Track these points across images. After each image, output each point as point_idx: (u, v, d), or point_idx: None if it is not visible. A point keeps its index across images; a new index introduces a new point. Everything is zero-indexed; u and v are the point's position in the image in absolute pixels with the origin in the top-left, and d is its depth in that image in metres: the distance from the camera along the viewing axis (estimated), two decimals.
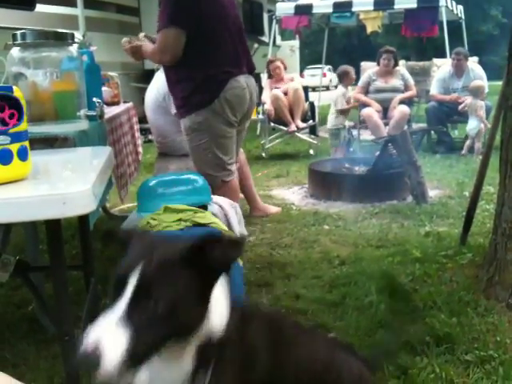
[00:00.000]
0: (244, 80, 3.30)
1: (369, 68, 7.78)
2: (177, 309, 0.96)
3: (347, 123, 7.29)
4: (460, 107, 7.07)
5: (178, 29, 3.12)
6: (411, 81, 7.42)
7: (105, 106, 2.59)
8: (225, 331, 1.08)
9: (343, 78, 7.20)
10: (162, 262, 0.98)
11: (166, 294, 0.95)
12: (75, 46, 2.12)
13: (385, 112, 7.19)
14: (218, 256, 1.00)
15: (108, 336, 0.91)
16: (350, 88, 7.36)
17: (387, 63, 7.19)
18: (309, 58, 27.21)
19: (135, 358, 0.92)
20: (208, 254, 0.99)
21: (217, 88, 3.19)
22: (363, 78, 7.48)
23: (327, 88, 26.82)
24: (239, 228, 2.64)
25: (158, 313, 0.94)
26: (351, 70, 7.22)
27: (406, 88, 7.30)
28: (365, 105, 7.29)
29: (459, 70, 7.33)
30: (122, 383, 0.95)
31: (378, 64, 7.32)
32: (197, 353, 1.06)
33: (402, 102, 7.15)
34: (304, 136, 7.88)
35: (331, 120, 7.15)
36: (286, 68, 7.71)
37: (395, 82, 7.27)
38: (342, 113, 7.13)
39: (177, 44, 3.14)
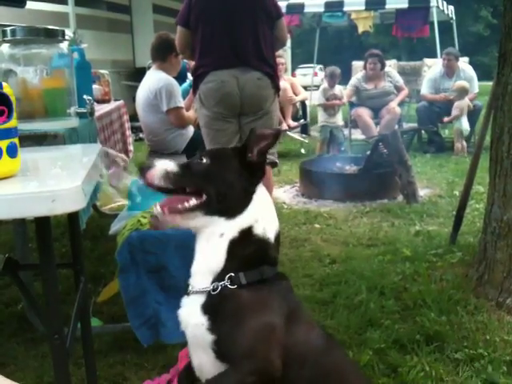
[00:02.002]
0: (228, 74, 3.33)
1: (360, 67, 7.80)
2: (216, 172, 1.23)
3: (338, 121, 7.31)
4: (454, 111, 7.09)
5: (179, 27, 3.43)
6: (401, 81, 7.44)
7: (95, 103, 2.58)
8: (267, 243, 1.25)
9: (329, 78, 7.34)
10: (217, 148, 1.44)
11: (213, 158, 1.25)
12: (66, 42, 2.11)
13: (376, 112, 7.21)
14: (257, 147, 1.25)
15: (165, 162, 1.24)
16: (337, 86, 7.38)
17: (373, 67, 7.21)
18: (300, 58, 27.20)
19: (177, 178, 1.22)
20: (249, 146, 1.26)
21: (198, 80, 3.43)
22: (352, 82, 7.50)
23: (318, 87, 26.90)
24: None
25: (202, 167, 1.23)
26: (338, 72, 7.31)
27: (397, 89, 7.32)
28: (355, 104, 7.33)
29: (450, 70, 7.36)
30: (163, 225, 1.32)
31: (365, 68, 7.32)
32: (231, 245, 1.22)
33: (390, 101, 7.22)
34: (295, 135, 7.88)
35: (319, 117, 7.28)
36: (286, 70, 7.75)
37: (385, 86, 7.29)
38: (325, 109, 7.21)
39: (180, 41, 3.49)
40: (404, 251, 3.29)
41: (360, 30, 10.22)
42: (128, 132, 4.08)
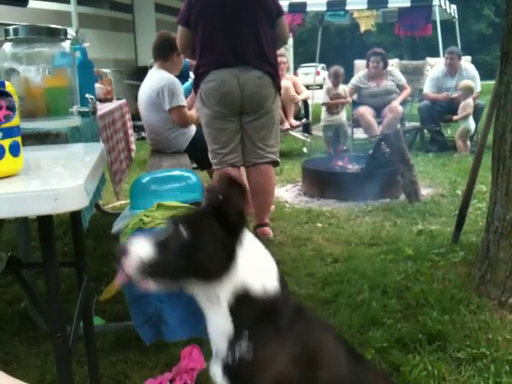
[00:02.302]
0: (228, 73, 3.34)
1: (362, 66, 7.80)
2: (196, 245, 1.15)
3: (343, 119, 7.29)
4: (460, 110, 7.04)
5: (180, 26, 3.48)
6: (404, 80, 7.44)
7: (97, 102, 2.58)
8: (269, 297, 1.18)
9: (332, 78, 7.35)
10: (192, 212, 1.28)
11: (190, 230, 1.15)
12: (68, 41, 2.11)
13: (378, 111, 7.20)
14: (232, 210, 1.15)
15: (139, 244, 1.15)
16: (340, 86, 7.39)
17: (376, 65, 7.22)
18: (302, 57, 27.18)
19: (155, 266, 1.13)
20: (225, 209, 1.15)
21: (199, 80, 3.46)
22: (353, 81, 7.51)
23: (321, 86, 26.89)
24: None
25: (182, 243, 1.14)
26: (342, 72, 7.32)
27: (400, 88, 7.31)
28: (357, 103, 7.33)
29: (452, 70, 7.35)
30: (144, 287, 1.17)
31: (368, 66, 7.33)
32: (232, 308, 1.17)
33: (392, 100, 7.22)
34: (297, 134, 7.88)
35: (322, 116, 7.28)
36: (288, 69, 7.75)
37: (387, 84, 7.30)
38: (329, 108, 7.19)
39: (181, 40, 3.53)
40: (406, 250, 3.29)
41: (362, 28, 10.19)
42: (130, 131, 4.09)
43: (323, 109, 7.33)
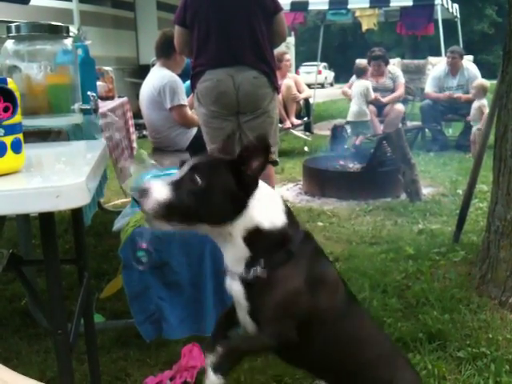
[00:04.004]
0: (224, 72, 3.34)
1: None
2: (211, 192, 1.26)
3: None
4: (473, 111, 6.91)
5: (177, 26, 3.45)
6: (401, 80, 7.45)
7: (99, 100, 2.58)
8: (278, 229, 1.34)
9: (363, 73, 7.15)
10: (209, 160, 1.35)
11: (207, 177, 1.27)
12: (70, 39, 2.11)
13: (379, 110, 7.21)
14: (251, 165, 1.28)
15: (159, 186, 1.25)
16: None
17: (377, 68, 7.27)
18: (304, 56, 27.18)
19: (171, 208, 1.24)
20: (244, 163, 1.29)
21: (195, 79, 3.46)
22: (353, 78, 7.51)
23: (322, 85, 26.90)
24: None
25: (197, 188, 1.26)
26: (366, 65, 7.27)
27: (396, 86, 7.35)
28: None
29: (454, 69, 7.34)
30: (157, 227, 1.30)
31: (369, 64, 7.34)
32: (246, 241, 1.32)
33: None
34: (299, 133, 7.87)
35: (354, 112, 7.05)
36: (290, 67, 7.74)
37: (385, 81, 7.35)
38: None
39: (178, 40, 3.50)
40: (407, 249, 3.29)
41: (364, 27, 10.20)
42: (132, 129, 4.09)
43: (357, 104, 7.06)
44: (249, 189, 1.31)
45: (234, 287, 1.38)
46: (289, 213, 1.38)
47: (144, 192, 1.24)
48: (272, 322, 1.34)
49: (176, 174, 1.31)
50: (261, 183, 1.37)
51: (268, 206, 1.35)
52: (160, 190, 1.24)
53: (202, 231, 1.36)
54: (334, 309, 1.42)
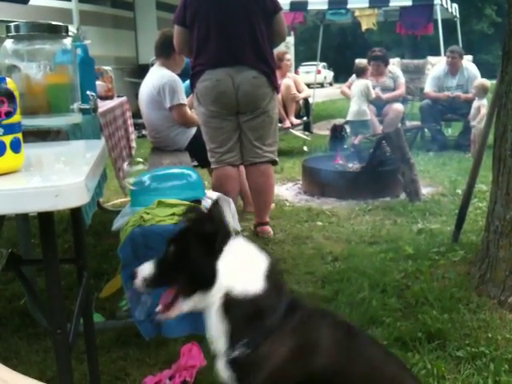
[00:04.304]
0: (223, 72, 3.35)
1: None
2: (181, 261, 1.32)
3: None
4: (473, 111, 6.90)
5: (176, 26, 3.48)
6: (401, 79, 7.45)
7: (98, 100, 2.58)
8: (254, 297, 1.26)
9: (363, 73, 7.07)
10: (181, 231, 1.37)
11: (178, 249, 1.34)
12: (69, 38, 2.10)
13: (378, 110, 7.21)
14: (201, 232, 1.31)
15: (144, 266, 1.37)
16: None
17: (377, 68, 7.26)
18: (304, 55, 27.17)
19: (154, 280, 1.35)
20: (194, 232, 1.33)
21: (194, 79, 3.49)
22: (353, 77, 7.51)
23: (322, 85, 26.89)
24: (233, 223, 2.64)
25: (170, 260, 1.34)
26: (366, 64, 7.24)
27: (396, 86, 7.35)
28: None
29: (454, 69, 7.34)
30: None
31: (369, 64, 7.34)
32: (221, 312, 1.28)
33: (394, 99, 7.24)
34: (298, 132, 7.87)
35: (354, 111, 6.99)
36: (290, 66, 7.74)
37: (385, 81, 7.35)
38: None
39: (178, 40, 3.52)
40: (406, 249, 3.29)
41: (363, 27, 10.21)
42: (131, 129, 4.09)
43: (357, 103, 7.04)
44: (218, 246, 1.29)
45: (223, 372, 1.31)
46: (270, 276, 1.30)
47: (134, 274, 1.37)
48: None
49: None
50: (242, 243, 1.35)
51: (241, 270, 1.30)
52: (145, 268, 1.36)
53: (187, 308, 1.37)
54: (335, 364, 1.31)
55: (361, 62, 7.30)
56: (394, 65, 8.33)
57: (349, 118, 7.04)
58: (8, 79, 1.18)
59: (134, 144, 4.16)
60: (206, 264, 1.29)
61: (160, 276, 1.35)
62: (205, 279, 1.29)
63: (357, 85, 6.93)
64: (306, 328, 1.32)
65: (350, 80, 7.52)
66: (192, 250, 1.31)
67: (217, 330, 1.30)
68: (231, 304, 1.27)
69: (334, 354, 1.32)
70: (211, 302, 1.29)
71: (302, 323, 1.31)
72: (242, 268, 1.30)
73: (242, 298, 1.26)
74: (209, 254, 1.29)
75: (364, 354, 1.39)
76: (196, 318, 2.05)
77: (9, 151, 1.17)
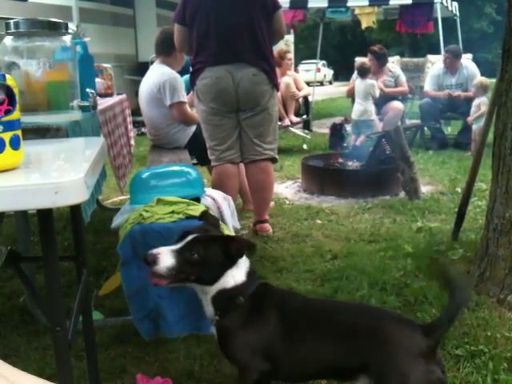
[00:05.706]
0: (223, 70, 3.35)
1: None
2: (203, 263, 1.59)
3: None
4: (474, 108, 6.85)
5: (176, 24, 3.48)
6: (402, 77, 7.45)
7: (98, 97, 2.57)
8: (236, 290, 1.62)
9: (367, 73, 7.02)
10: (206, 237, 1.65)
11: (201, 251, 1.59)
12: (69, 36, 2.10)
13: (378, 108, 7.21)
14: (235, 250, 1.62)
15: (165, 254, 1.57)
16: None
17: (372, 63, 7.26)
18: (303, 53, 27.17)
19: (174, 272, 1.56)
20: (230, 247, 1.62)
21: (194, 77, 3.50)
22: (353, 76, 7.52)
23: (321, 83, 26.89)
24: (232, 221, 2.64)
25: (193, 259, 1.58)
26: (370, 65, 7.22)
27: (397, 85, 7.35)
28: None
29: (452, 68, 7.34)
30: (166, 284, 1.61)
31: (369, 60, 7.37)
32: (213, 301, 1.64)
33: (393, 97, 7.27)
34: (298, 131, 7.87)
35: (359, 111, 6.98)
36: (291, 64, 7.73)
37: (385, 80, 7.38)
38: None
39: (178, 38, 3.53)
40: (406, 247, 3.29)
41: (363, 25, 10.19)
42: (130, 126, 4.08)
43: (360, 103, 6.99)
44: (233, 259, 1.63)
45: (213, 331, 1.69)
46: (250, 273, 1.66)
47: (153, 258, 1.54)
48: (237, 363, 1.65)
49: (178, 244, 1.60)
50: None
51: (237, 271, 1.64)
52: (167, 258, 1.56)
53: (190, 287, 1.67)
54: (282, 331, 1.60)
55: (364, 62, 7.27)
56: (394, 63, 8.34)
57: (353, 116, 7.03)
58: (8, 76, 1.18)
59: (132, 142, 4.16)
60: (222, 270, 1.62)
61: (180, 268, 1.56)
62: (214, 279, 1.62)
63: (362, 84, 6.93)
64: (263, 303, 1.65)
65: (351, 80, 7.51)
66: (218, 258, 1.61)
67: (207, 304, 1.65)
68: (221, 293, 1.63)
69: (281, 322, 1.61)
70: (209, 291, 1.64)
71: (260, 300, 1.65)
72: (237, 274, 1.65)
73: (229, 289, 1.63)
74: (227, 264, 1.62)
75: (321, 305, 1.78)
76: (195, 318, 2.06)
77: (8, 148, 1.17)
